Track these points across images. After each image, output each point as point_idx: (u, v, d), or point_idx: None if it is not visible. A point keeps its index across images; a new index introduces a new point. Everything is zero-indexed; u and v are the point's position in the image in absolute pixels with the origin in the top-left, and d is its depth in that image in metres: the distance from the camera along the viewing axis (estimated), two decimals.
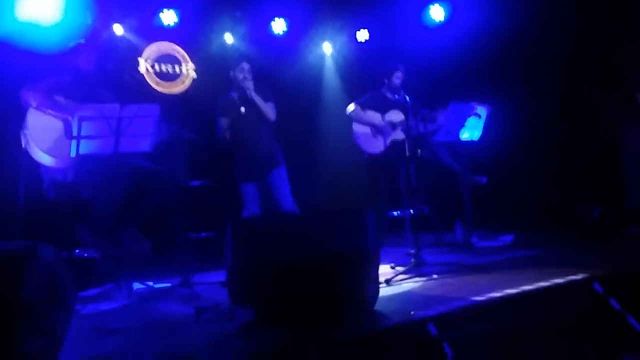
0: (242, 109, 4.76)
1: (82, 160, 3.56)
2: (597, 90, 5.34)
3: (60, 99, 3.78)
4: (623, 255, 4.04)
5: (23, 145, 3.66)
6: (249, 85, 4.68)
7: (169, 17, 5.53)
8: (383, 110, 5.24)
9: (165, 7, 5.52)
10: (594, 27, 5.35)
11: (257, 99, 4.72)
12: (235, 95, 4.82)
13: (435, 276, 3.84)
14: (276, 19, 6.12)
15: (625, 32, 5.19)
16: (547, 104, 5.61)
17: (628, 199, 4.95)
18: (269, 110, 4.76)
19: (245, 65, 4.76)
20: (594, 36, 5.36)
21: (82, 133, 3.48)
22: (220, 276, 3.79)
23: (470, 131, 4.95)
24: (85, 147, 3.50)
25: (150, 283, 3.93)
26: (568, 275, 3.46)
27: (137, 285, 3.84)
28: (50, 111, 3.71)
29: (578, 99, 5.48)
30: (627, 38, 5.16)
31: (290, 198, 4.75)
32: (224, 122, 4.76)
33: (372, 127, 5.21)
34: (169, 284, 3.92)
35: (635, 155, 4.99)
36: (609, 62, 5.32)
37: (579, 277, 3.44)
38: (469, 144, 5.00)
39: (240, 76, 4.73)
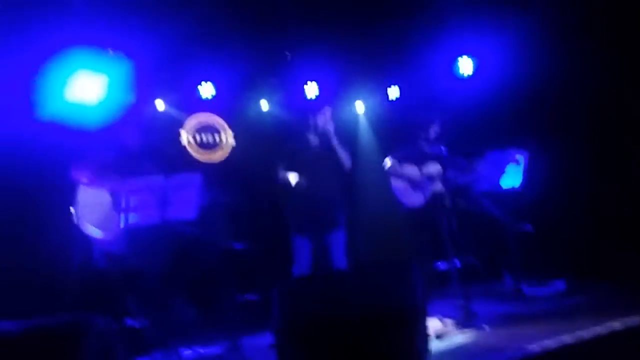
0: (319, 151, 4.63)
1: (129, 231, 3.67)
2: (628, 132, 5.27)
3: (108, 175, 3.95)
4: None
5: (75, 221, 3.82)
6: (331, 130, 4.58)
7: (207, 90, 5.75)
8: (420, 162, 5.22)
9: (204, 80, 5.76)
10: (621, 71, 5.34)
11: (338, 146, 4.60)
12: (310, 140, 4.69)
13: (486, 327, 3.74)
14: (308, 82, 6.28)
15: None
16: (584, 147, 5.54)
17: None
18: (346, 158, 4.66)
19: (328, 110, 4.68)
20: (621, 81, 5.35)
21: (129, 205, 3.60)
22: (268, 339, 3.79)
23: (511, 179, 4.91)
24: (133, 218, 3.62)
25: (200, 349, 3.94)
26: (624, 318, 3.33)
27: (186, 352, 3.85)
28: (101, 188, 3.86)
29: (614, 140, 5.41)
30: None
31: (344, 262, 4.57)
32: (283, 171, 4.59)
33: (410, 181, 5.21)
34: (217, 349, 3.92)
35: None
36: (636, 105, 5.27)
37: (636, 320, 3.31)
38: (512, 191, 4.95)
39: (322, 122, 4.62)
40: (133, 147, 4.20)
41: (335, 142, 4.59)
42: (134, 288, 3.79)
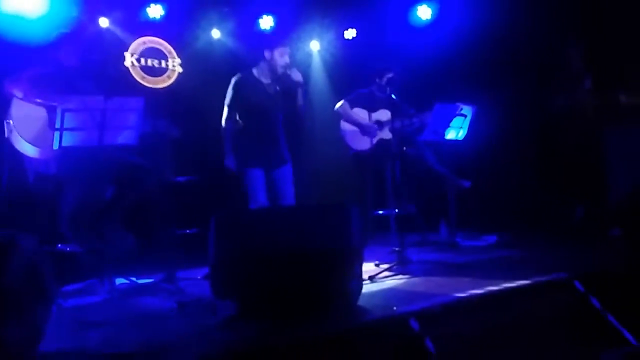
0: (272, 89, 4.50)
1: (65, 152, 3.52)
2: (579, 91, 5.39)
3: (44, 90, 3.73)
4: (604, 255, 4.08)
5: (6, 135, 3.63)
6: (297, 79, 4.42)
7: (155, 11, 5.48)
8: (371, 108, 5.26)
9: (153, 2, 5.48)
10: (577, 22, 5.40)
11: (301, 93, 4.46)
12: (263, 78, 4.52)
13: (418, 275, 3.83)
14: (264, 16, 6.10)
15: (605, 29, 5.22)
16: (531, 104, 5.65)
17: (610, 199, 5.00)
18: (302, 98, 4.50)
19: (286, 52, 4.50)
20: (577, 32, 5.42)
21: (66, 125, 3.43)
22: (204, 272, 3.79)
23: (456, 130, 4.98)
24: (69, 139, 3.46)
25: (134, 278, 3.89)
26: (550, 273, 3.49)
27: (120, 281, 3.80)
28: (37, 100, 3.66)
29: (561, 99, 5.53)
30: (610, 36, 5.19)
31: (293, 199, 4.54)
32: (237, 103, 4.43)
33: (360, 125, 5.23)
34: (152, 280, 3.89)
35: (617, 156, 5.04)
36: (592, 62, 5.37)
37: (560, 275, 3.47)
38: (454, 143, 5.03)
39: (283, 63, 4.43)
40: (73, 65, 3.98)
41: (300, 91, 4.46)
42: (67, 212, 3.66)
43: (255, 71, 4.54)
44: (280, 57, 4.46)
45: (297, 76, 4.42)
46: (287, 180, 4.55)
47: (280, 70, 4.45)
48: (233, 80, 4.49)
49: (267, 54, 4.49)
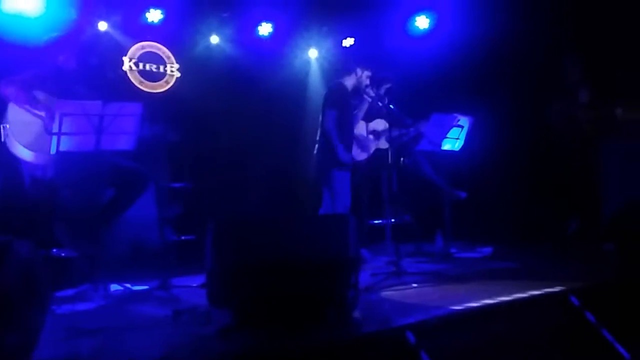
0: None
1: (62, 156, 3.50)
2: (576, 104, 5.41)
3: (38, 93, 3.71)
4: (599, 269, 4.09)
5: (2, 139, 3.60)
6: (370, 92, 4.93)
7: (154, 15, 5.48)
8: (368, 118, 5.26)
9: (152, 7, 5.47)
10: (574, 35, 5.43)
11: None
12: (348, 88, 4.92)
13: (414, 285, 3.86)
14: (263, 23, 6.11)
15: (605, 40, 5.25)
16: (527, 115, 5.67)
17: (604, 212, 5.02)
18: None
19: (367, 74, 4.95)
20: (574, 45, 5.46)
21: (63, 129, 3.42)
22: (199, 280, 3.76)
23: (452, 141, 4.99)
24: (66, 143, 3.45)
25: (128, 285, 3.87)
26: (545, 287, 3.50)
27: (114, 287, 3.77)
28: (26, 106, 3.63)
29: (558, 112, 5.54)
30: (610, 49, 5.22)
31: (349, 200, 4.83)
32: (334, 114, 4.79)
33: (356, 136, 5.22)
34: (147, 286, 3.87)
35: (612, 169, 5.07)
36: (589, 75, 5.39)
37: (555, 289, 3.48)
38: (450, 154, 5.04)
39: (366, 82, 4.91)
40: (69, 68, 3.95)
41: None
42: (63, 217, 3.64)
43: (344, 82, 4.92)
44: (366, 78, 4.88)
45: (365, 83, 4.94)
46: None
47: (362, 89, 4.89)
48: (336, 87, 4.89)
49: (358, 71, 4.89)
